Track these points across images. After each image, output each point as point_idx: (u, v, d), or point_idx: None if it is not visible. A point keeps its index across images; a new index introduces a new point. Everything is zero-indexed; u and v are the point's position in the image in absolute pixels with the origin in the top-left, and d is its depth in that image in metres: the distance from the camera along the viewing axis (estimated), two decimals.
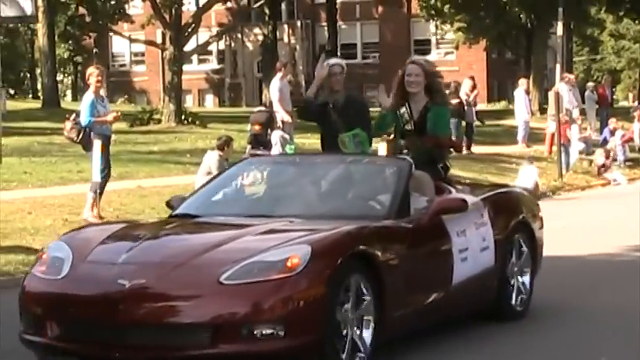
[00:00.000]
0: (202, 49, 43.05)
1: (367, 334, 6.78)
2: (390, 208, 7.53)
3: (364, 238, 6.95)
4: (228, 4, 43.00)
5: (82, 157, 16.76)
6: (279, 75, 20.40)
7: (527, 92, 33.19)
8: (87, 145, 14.95)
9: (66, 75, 54.17)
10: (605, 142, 28.21)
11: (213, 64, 54.45)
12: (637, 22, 52.10)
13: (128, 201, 16.47)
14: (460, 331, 8.19)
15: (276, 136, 18.27)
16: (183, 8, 37.00)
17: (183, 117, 34.08)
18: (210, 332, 6.15)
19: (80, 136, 14.80)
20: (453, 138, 19.48)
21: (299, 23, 55.28)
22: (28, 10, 18.73)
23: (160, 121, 34.25)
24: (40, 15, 34.75)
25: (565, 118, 27.09)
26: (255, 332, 6.10)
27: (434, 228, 7.61)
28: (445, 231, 7.66)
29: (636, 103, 35.20)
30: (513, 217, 8.84)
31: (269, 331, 6.04)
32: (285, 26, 53.95)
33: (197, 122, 33.15)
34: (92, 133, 14.66)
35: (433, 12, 47.13)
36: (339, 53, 52.39)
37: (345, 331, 6.61)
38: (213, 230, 7.60)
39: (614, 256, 13.47)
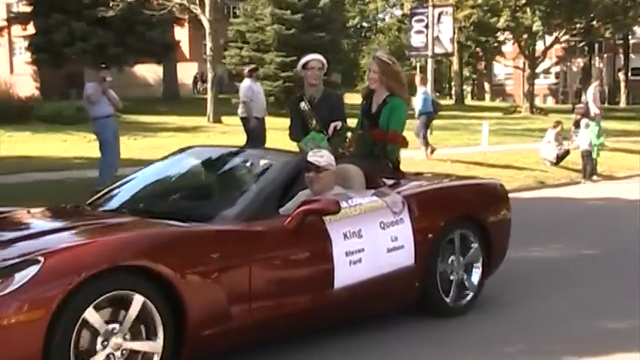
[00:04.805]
0: (546, 71, 49.58)
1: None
2: (242, 210, 5.11)
3: (139, 249, 4.41)
4: (563, 45, 48.76)
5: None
6: (594, 84, 22.37)
7: None
8: None
9: (467, 85, 64.87)
10: None
11: (552, 79, 63.34)
12: None
13: (505, 157, 17.86)
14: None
15: (583, 122, 19.30)
16: (536, 48, 42.25)
17: (534, 110, 39.95)
18: None
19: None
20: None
21: (605, 55, 62.27)
22: (449, 48, 24.84)
23: (520, 112, 40.14)
24: (455, 51, 39.58)
25: None
26: None
27: (302, 231, 5.13)
28: (322, 234, 5.25)
29: None
30: (450, 213, 6.29)
31: None
32: (597, 57, 61.40)
33: (542, 113, 39.00)
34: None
35: None
36: (629, 74, 55.60)
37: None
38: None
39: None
